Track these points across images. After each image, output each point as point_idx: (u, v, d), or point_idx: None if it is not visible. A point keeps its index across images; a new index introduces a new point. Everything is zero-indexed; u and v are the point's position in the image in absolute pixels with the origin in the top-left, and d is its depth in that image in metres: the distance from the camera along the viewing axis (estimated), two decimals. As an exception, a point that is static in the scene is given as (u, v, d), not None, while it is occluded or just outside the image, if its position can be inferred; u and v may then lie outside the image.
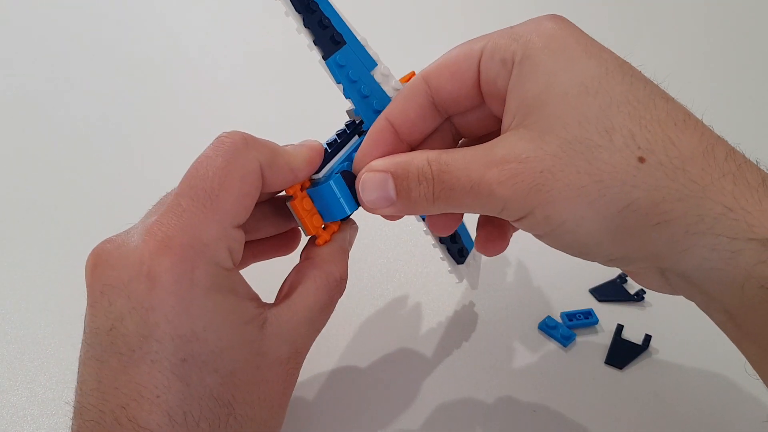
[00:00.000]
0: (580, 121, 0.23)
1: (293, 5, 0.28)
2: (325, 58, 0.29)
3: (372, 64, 0.30)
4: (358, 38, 0.30)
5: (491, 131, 0.28)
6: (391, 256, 0.41)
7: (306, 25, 0.28)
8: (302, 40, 0.28)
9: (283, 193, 0.29)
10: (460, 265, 0.35)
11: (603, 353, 0.35)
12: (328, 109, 0.56)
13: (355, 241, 0.42)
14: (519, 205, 0.24)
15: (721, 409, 0.33)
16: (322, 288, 0.28)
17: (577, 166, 0.22)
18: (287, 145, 0.28)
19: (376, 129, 0.28)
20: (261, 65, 0.62)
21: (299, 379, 0.33)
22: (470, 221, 0.33)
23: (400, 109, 0.28)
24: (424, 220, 0.33)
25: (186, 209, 0.24)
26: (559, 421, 0.32)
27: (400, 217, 0.30)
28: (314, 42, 0.28)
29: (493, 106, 0.27)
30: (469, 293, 0.38)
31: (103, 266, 0.24)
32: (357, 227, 0.32)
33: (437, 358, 0.35)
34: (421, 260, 0.40)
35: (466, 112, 0.28)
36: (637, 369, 0.35)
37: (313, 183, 0.29)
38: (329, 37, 0.28)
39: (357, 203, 0.28)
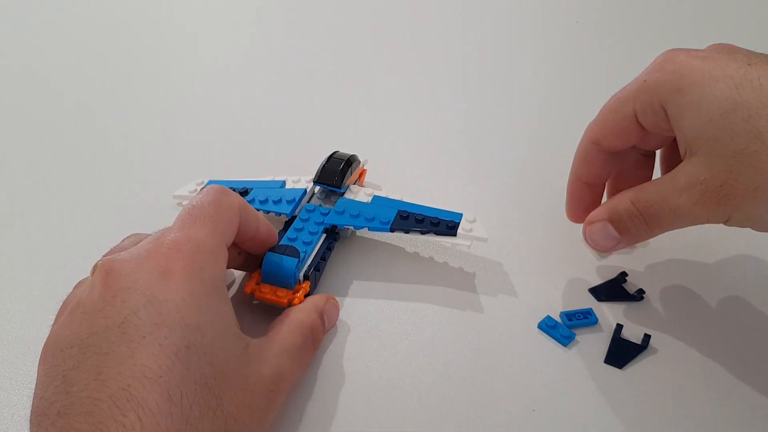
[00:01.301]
0: (732, 137, 0.28)
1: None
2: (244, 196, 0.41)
3: (280, 182, 0.42)
4: (255, 182, 0.43)
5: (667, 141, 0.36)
6: (390, 256, 0.41)
7: None
8: None
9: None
10: (459, 237, 0.38)
11: (602, 353, 0.35)
12: (325, 112, 0.56)
13: (355, 246, 0.42)
14: (718, 215, 0.29)
15: (720, 409, 0.33)
16: (295, 330, 0.32)
17: (745, 173, 0.28)
18: None
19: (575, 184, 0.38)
20: (262, 67, 0.62)
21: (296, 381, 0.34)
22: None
23: (584, 173, 0.37)
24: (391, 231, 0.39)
25: (190, 225, 0.29)
26: (559, 420, 0.32)
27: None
28: None
29: (662, 131, 0.33)
30: (467, 293, 0.39)
31: (117, 274, 0.27)
32: (335, 302, 0.37)
33: (436, 357, 0.35)
34: (420, 258, 0.40)
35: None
36: (636, 368, 0.35)
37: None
38: (239, 193, 0.40)
39: (297, 269, 0.35)
